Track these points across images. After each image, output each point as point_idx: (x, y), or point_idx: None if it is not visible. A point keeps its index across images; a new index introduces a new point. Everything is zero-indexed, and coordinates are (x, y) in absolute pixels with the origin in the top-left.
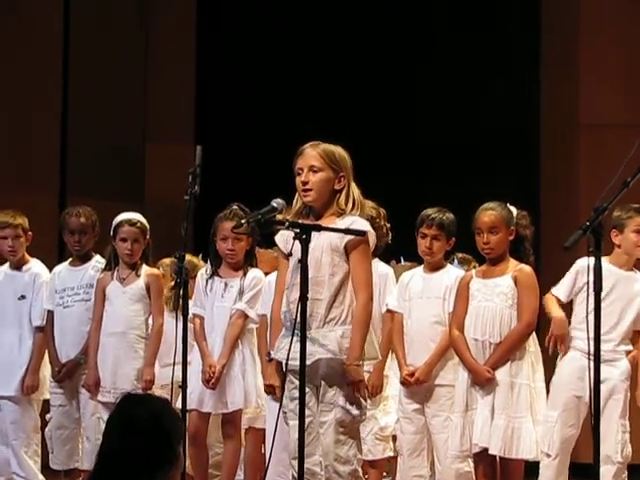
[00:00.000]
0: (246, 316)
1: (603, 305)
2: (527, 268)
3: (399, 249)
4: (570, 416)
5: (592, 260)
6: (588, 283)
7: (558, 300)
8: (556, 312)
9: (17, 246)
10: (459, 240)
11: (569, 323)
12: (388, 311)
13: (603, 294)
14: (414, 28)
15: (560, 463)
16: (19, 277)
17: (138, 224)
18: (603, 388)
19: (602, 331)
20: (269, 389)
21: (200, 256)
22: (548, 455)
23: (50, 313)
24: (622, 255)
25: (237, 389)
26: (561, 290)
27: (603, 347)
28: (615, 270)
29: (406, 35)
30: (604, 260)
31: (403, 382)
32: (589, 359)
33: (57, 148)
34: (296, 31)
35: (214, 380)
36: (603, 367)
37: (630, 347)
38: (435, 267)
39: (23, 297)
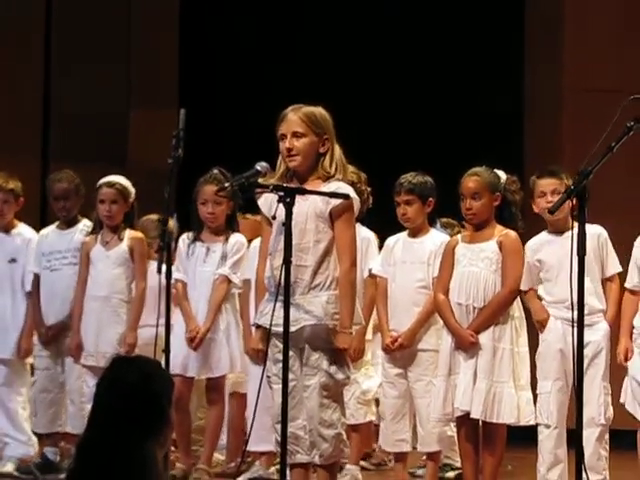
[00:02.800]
0: (229, 281)
1: (565, 278)
2: (512, 234)
3: (385, 215)
4: (561, 383)
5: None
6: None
7: (526, 292)
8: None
9: (5, 210)
10: (447, 205)
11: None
12: (371, 275)
13: (557, 269)
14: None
15: (559, 433)
16: (8, 240)
17: (117, 185)
18: (585, 352)
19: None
20: (253, 353)
21: (174, 217)
22: (547, 426)
23: (36, 276)
24: (556, 221)
25: (222, 354)
26: (524, 283)
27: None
28: (555, 238)
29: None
30: (544, 234)
31: (385, 348)
32: (572, 326)
33: (40, 112)
34: None
35: (197, 341)
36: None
37: (604, 306)
38: (417, 231)
39: (14, 260)
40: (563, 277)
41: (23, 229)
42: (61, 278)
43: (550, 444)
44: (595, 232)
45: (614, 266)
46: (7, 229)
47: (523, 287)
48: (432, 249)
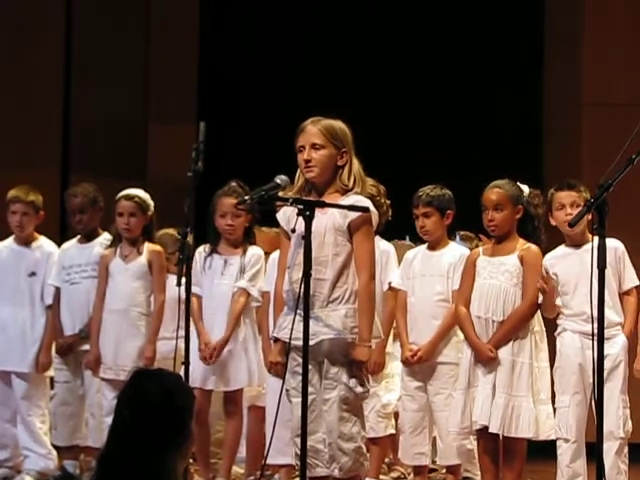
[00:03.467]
0: (248, 294)
1: (583, 291)
2: (534, 248)
3: (405, 227)
4: (580, 397)
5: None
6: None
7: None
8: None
9: (25, 222)
10: (467, 218)
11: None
12: (390, 289)
13: (574, 283)
14: (418, 5)
15: (577, 447)
16: (29, 254)
17: (135, 198)
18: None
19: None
20: (272, 366)
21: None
22: (566, 440)
23: (57, 289)
24: (574, 234)
25: (241, 367)
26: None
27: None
28: (573, 251)
29: (411, 12)
30: (562, 247)
31: (405, 361)
32: (592, 339)
33: (59, 126)
34: (300, 7)
35: (215, 355)
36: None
37: (621, 319)
38: (436, 244)
39: (34, 274)
40: (581, 290)
41: (44, 242)
42: (81, 291)
43: (568, 458)
44: (612, 246)
45: (631, 280)
46: (27, 242)
47: (541, 301)
48: (451, 262)
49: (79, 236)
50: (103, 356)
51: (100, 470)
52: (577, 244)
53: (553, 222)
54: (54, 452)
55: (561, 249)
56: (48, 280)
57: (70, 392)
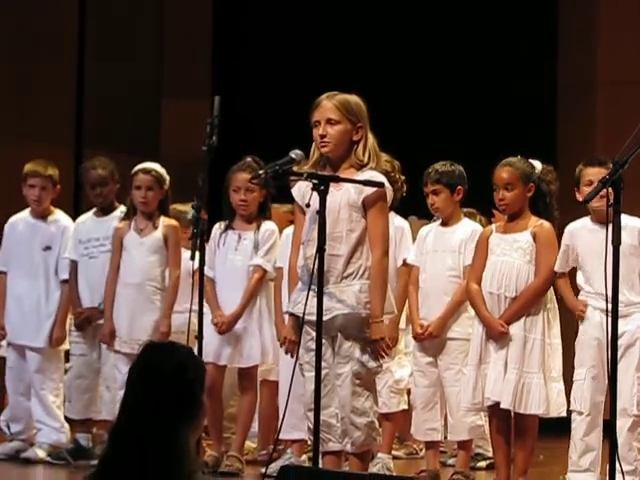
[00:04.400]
0: (264, 270)
1: (602, 268)
2: (546, 225)
3: (419, 203)
4: (597, 372)
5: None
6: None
7: (562, 274)
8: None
9: (43, 197)
10: (479, 194)
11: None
12: (405, 265)
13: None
14: None
15: (591, 420)
16: (44, 228)
17: (152, 172)
18: (619, 342)
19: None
20: (285, 343)
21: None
22: (580, 413)
23: (73, 263)
24: (600, 211)
25: (254, 344)
26: (558, 265)
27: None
28: (597, 228)
29: None
30: (587, 220)
31: (415, 337)
32: (607, 315)
33: (73, 101)
34: None
35: (222, 323)
36: (618, 322)
37: None
38: (449, 220)
39: (48, 248)
40: (602, 268)
41: (60, 216)
42: (98, 265)
43: (582, 431)
44: (636, 225)
45: None
46: (44, 216)
47: (556, 268)
48: (463, 237)
49: (95, 209)
50: (118, 330)
51: (112, 443)
52: (602, 221)
53: (580, 197)
54: (67, 425)
55: (587, 221)
56: (64, 254)
57: (86, 365)
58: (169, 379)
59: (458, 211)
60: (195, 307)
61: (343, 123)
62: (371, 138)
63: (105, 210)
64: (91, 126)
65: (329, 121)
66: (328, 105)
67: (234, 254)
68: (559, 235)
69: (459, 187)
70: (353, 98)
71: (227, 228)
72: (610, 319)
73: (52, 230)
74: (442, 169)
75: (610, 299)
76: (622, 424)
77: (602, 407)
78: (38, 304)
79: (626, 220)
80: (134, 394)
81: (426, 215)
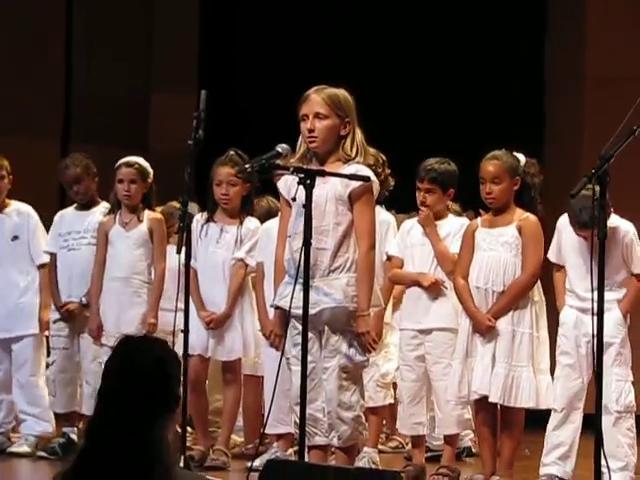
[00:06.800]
0: (246, 265)
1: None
2: (532, 218)
3: (407, 196)
4: (573, 369)
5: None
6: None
7: (559, 268)
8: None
9: (2, 188)
10: (464, 189)
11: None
12: (388, 258)
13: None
14: None
15: (564, 416)
16: (6, 220)
17: (135, 165)
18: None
19: (588, 286)
20: (271, 337)
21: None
22: (554, 409)
23: (53, 256)
24: None
25: (236, 337)
26: (553, 255)
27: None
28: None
29: None
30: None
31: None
32: (587, 313)
33: (61, 95)
34: None
35: (215, 324)
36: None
37: (621, 294)
38: (435, 217)
39: (16, 237)
40: (578, 266)
41: (17, 205)
42: (79, 258)
43: (552, 426)
44: (624, 229)
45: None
46: (1, 208)
47: (551, 258)
48: (450, 231)
49: (76, 204)
50: (105, 323)
51: (88, 438)
52: None
53: None
54: (51, 413)
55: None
56: (33, 241)
57: (68, 359)
58: (146, 373)
59: (445, 209)
60: (181, 304)
61: (331, 118)
62: (359, 133)
63: (86, 206)
64: (79, 120)
65: (317, 115)
66: (317, 99)
67: (215, 247)
68: (544, 228)
69: (451, 189)
70: (342, 92)
71: (209, 220)
72: (593, 317)
73: (15, 220)
74: (440, 168)
75: (590, 297)
76: (606, 421)
77: (579, 404)
78: (18, 293)
79: (616, 221)
80: (111, 388)
81: (402, 209)
